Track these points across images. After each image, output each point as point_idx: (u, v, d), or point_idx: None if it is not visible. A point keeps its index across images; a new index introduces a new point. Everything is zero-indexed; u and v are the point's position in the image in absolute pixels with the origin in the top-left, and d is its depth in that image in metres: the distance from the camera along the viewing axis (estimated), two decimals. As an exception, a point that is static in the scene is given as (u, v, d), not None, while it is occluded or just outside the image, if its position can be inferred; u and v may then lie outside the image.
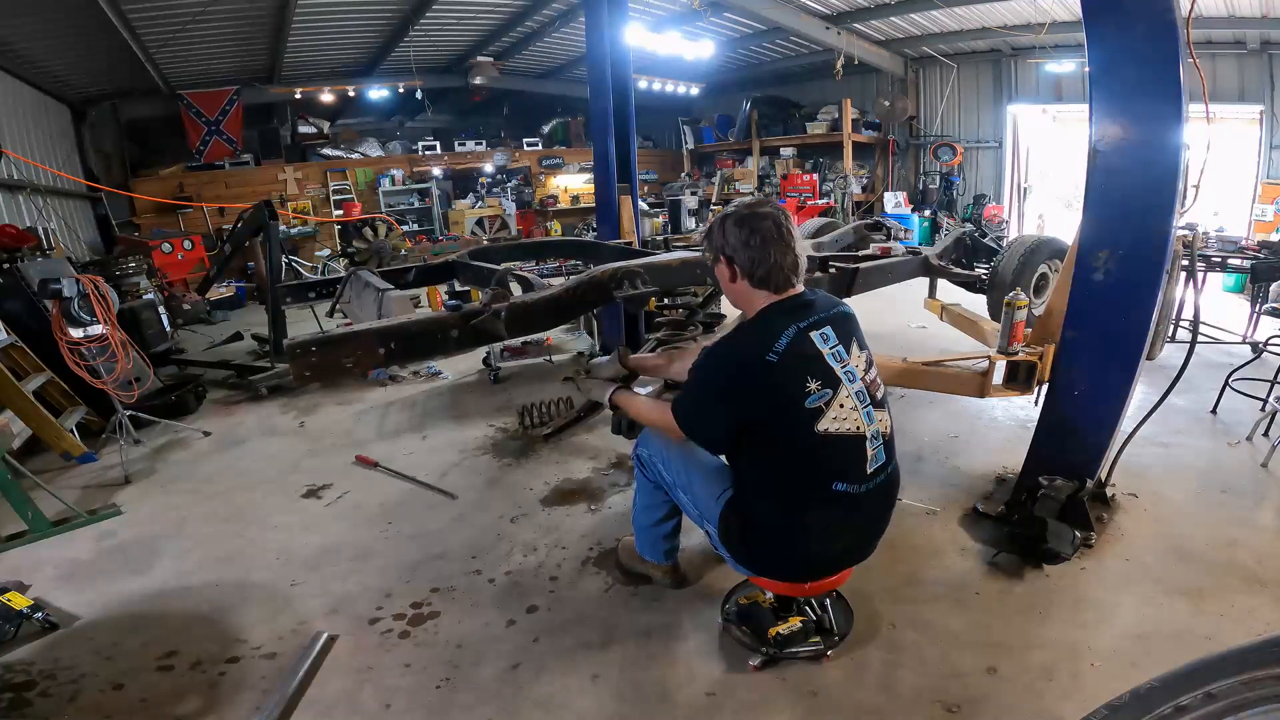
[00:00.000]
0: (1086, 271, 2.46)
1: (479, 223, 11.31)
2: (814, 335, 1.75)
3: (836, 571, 1.98)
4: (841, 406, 1.75)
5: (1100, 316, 2.47)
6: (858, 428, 1.79)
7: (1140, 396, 2.80)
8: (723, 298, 5.22)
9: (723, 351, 1.84)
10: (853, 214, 10.70)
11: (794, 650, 2.03)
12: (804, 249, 1.89)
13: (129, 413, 3.87)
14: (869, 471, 1.83)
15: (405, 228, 11.00)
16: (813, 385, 1.71)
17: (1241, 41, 7.72)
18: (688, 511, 2.12)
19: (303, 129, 11.33)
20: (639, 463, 2.23)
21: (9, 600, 2.29)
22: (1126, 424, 2.71)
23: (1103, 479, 2.73)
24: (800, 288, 1.84)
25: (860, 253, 4.84)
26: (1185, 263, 3.10)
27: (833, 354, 1.77)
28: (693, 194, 11.98)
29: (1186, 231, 3.27)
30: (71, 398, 4.00)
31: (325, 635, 2.23)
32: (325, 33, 8.76)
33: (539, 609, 2.36)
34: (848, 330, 1.84)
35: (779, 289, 1.80)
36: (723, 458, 2.04)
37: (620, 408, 2.20)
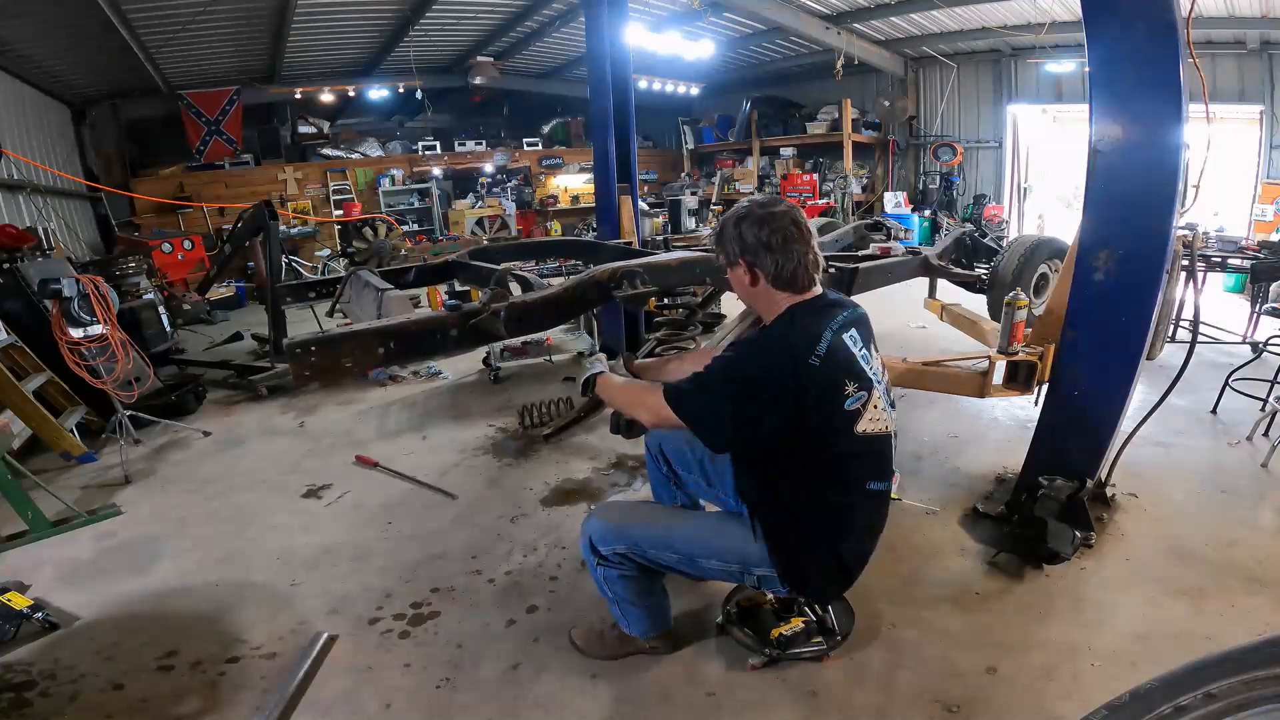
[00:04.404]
0: (1086, 271, 2.46)
1: (479, 223, 11.31)
2: (845, 337, 1.71)
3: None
4: (875, 408, 1.74)
5: (1100, 316, 2.47)
6: (886, 427, 1.79)
7: (1140, 396, 2.80)
8: (723, 297, 5.23)
9: (758, 351, 1.73)
10: (853, 214, 10.70)
11: (797, 651, 2.03)
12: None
13: (129, 413, 3.87)
14: (891, 469, 1.86)
15: (405, 228, 11.00)
16: (850, 388, 1.67)
17: (1241, 41, 7.72)
18: (715, 576, 1.97)
19: (303, 129, 11.33)
20: (623, 559, 1.96)
21: (9, 600, 2.29)
22: (1126, 424, 2.71)
23: (1103, 479, 2.73)
24: (820, 287, 1.78)
25: (860, 253, 4.84)
26: (1185, 263, 3.09)
27: (862, 356, 1.74)
28: (693, 194, 11.98)
29: (1186, 231, 3.26)
30: (71, 398, 4.00)
31: (325, 635, 2.23)
32: (325, 33, 8.76)
33: (539, 609, 2.36)
34: (868, 331, 1.81)
35: (803, 289, 1.73)
36: (704, 507, 2.01)
37: (598, 395, 2.02)
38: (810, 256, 1.72)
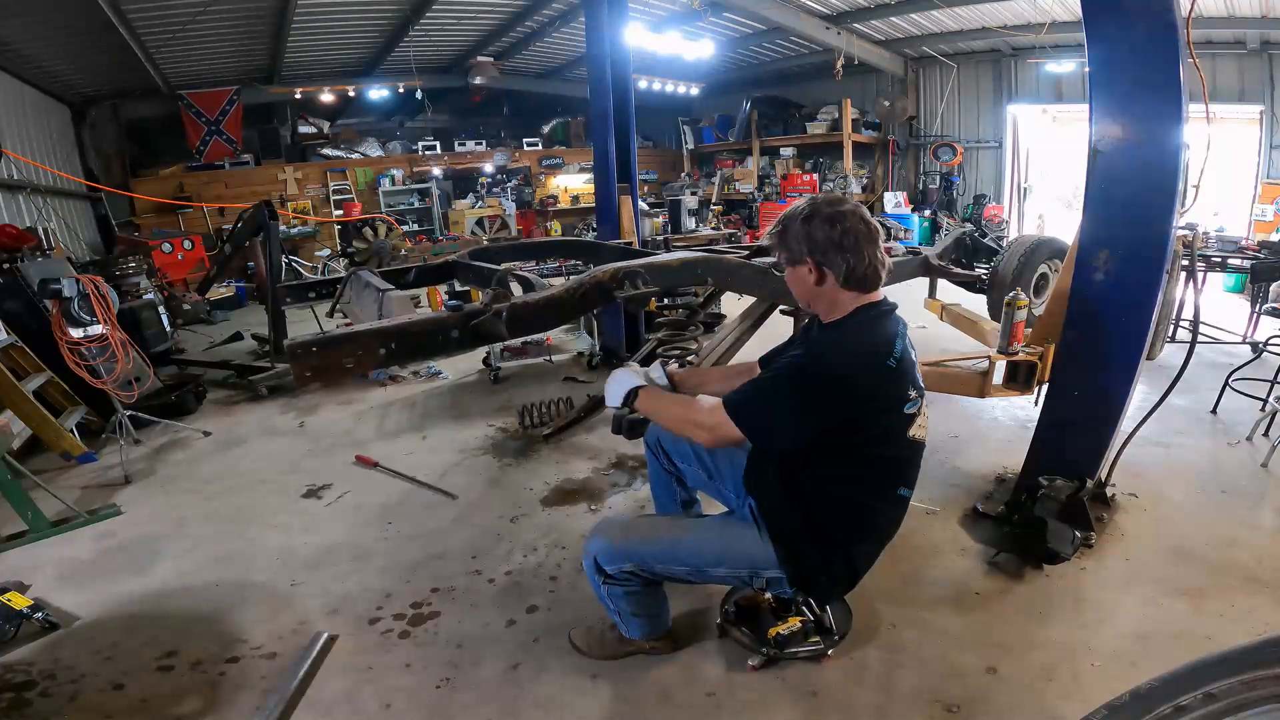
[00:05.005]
0: (1086, 271, 2.46)
1: (479, 223, 11.31)
2: (908, 343, 1.74)
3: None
4: (923, 414, 1.77)
5: (1100, 316, 2.47)
6: (926, 435, 1.82)
7: (1140, 396, 2.80)
8: (724, 297, 5.23)
9: (832, 352, 1.70)
10: (853, 214, 10.68)
11: (794, 650, 2.03)
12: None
13: (129, 413, 3.87)
14: (917, 477, 1.88)
15: (405, 228, 10.99)
16: (912, 393, 1.71)
17: (1241, 41, 7.72)
18: (724, 581, 1.98)
19: (303, 129, 11.32)
20: (631, 576, 1.92)
21: (9, 600, 2.29)
22: (1126, 424, 2.71)
23: (1103, 479, 2.73)
24: (883, 290, 1.76)
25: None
26: (1185, 263, 3.10)
27: (917, 363, 1.77)
28: (693, 194, 11.97)
29: (1186, 231, 3.27)
30: (71, 398, 4.00)
31: (325, 635, 2.23)
32: (325, 33, 8.76)
33: (539, 609, 2.36)
34: (911, 340, 1.81)
35: (872, 288, 1.72)
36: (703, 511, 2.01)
37: (640, 411, 1.94)
38: (880, 256, 1.70)
